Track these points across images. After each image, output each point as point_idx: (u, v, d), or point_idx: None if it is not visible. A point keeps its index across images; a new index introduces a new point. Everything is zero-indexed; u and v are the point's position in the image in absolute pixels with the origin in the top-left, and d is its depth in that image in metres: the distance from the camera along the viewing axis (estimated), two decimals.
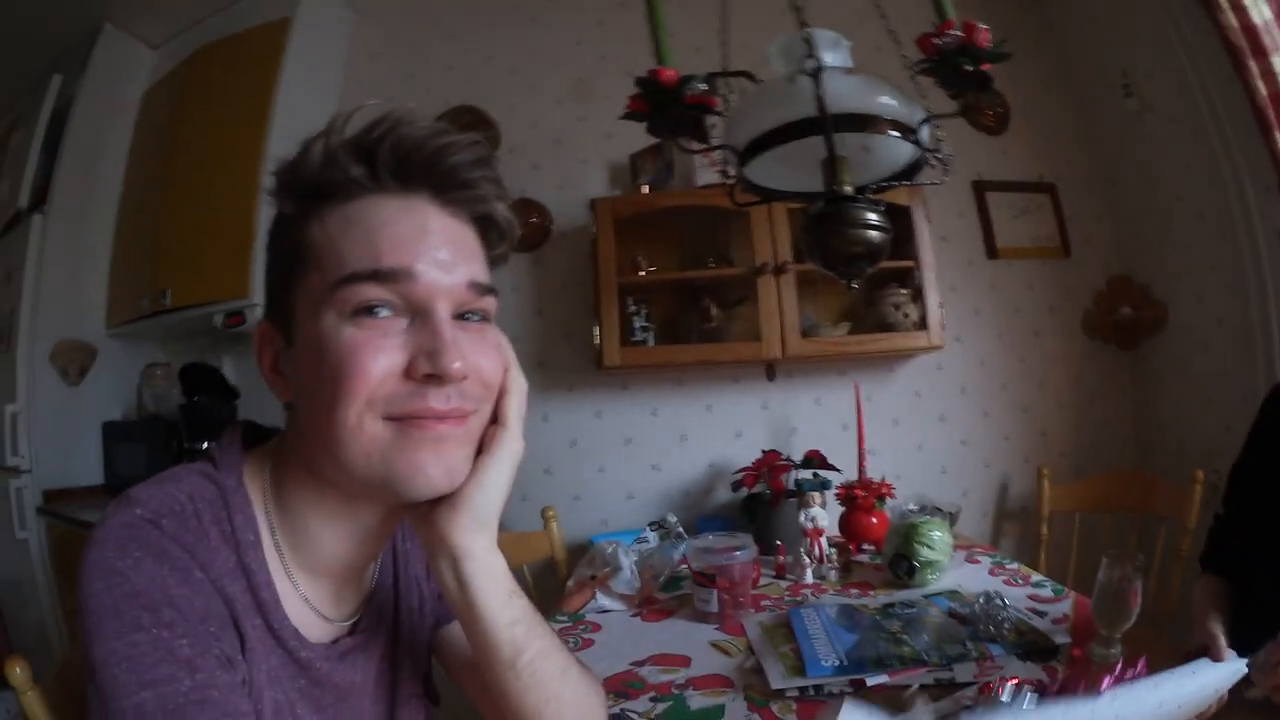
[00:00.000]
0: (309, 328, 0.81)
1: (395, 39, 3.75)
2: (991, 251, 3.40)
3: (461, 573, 0.87)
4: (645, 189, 3.29)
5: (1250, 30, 2.51)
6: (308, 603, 0.89)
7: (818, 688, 1.59)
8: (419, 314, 0.81)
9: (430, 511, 0.86)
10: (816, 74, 1.40)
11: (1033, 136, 3.47)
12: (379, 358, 0.79)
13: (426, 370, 0.79)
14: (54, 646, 3.49)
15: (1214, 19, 2.58)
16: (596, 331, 3.07)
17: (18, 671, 1.34)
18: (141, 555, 0.74)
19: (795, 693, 1.58)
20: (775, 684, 1.61)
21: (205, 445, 3.40)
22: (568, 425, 3.43)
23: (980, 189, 3.41)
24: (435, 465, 0.82)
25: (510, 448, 0.89)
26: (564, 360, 3.42)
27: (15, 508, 3.54)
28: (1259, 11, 2.49)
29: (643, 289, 3.21)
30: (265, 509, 0.88)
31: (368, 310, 0.79)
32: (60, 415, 3.69)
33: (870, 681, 1.58)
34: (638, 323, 3.14)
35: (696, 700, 1.60)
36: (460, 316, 0.84)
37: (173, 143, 3.67)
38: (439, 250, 0.83)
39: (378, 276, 0.79)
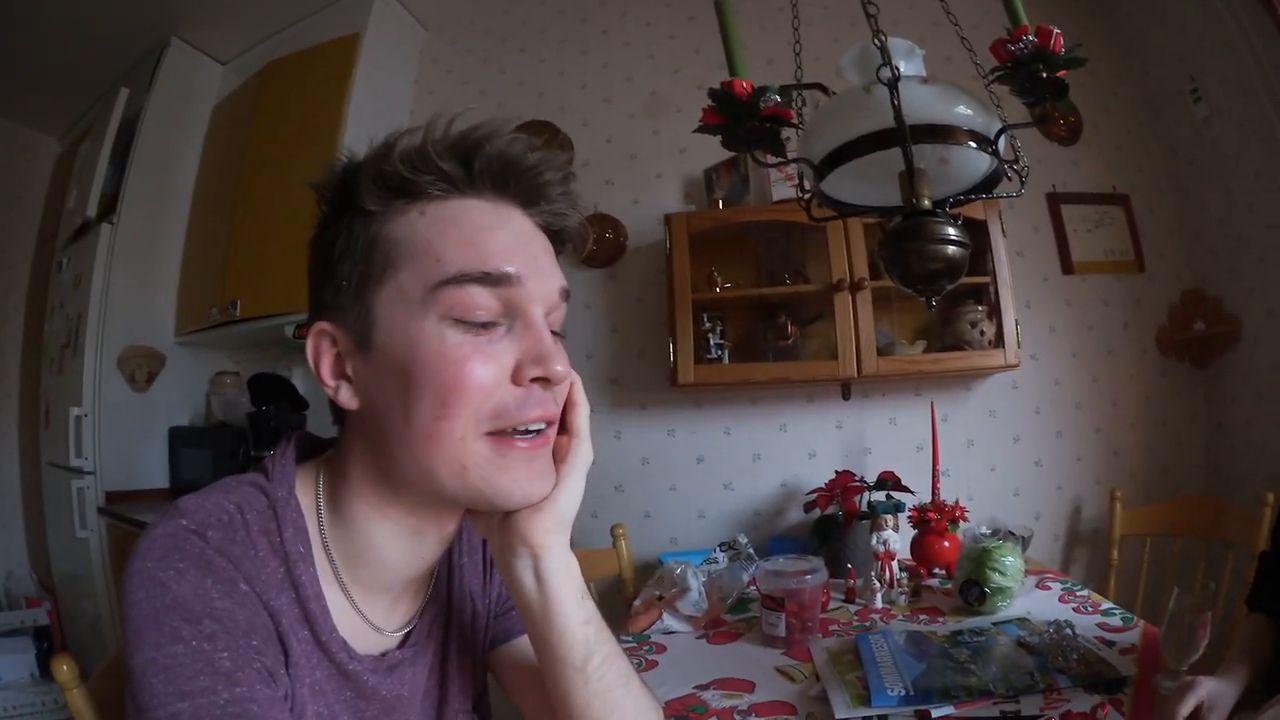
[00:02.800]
0: (401, 331, 0.80)
1: (466, 54, 3.79)
2: (1067, 266, 3.32)
3: (541, 569, 0.87)
4: (720, 204, 3.28)
5: None
6: (360, 614, 0.90)
7: (883, 718, 1.56)
8: (519, 318, 0.83)
9: (509, 516, 0.87)
10: (893, 83, 1.37)
11: (1104, 146, 3.39)
12: (490, 366, 0.80)
13: (535, 374, 0.81)
14: (109, 643, 3.56)
15: (1275, 19, 2.54)
16: (671, 348, 3.05)
17: (64, 669, 1.37)
18: (185, 566, 0.73)
19: None
20: (839, 713, 1.57)
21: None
22: (640, 443, 3.41)
23: (1055, 201, 3.34)
24: (535, 481, 0.85)
25: (584, 456, 0.92)
26: (637, 377, 3.40)
27: (76, 507, 3.61)
28: None
29: (718, 305, 3.18)
30: (318, 522, 0.88)
31: (474, 314, 0.80)
32: (127, 419, 3.77)
33: (936, 713, 1.55)
34: (713, 340, 3.11)
35: None
36: None
37: (242, 156, 3.74)
38: (539, 257, 0.86)
39: (487, 280, 0.80)
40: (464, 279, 0.79)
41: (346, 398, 0.85)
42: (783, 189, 3.10)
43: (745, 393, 3.36)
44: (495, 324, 0.82)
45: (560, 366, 0.82)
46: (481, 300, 0.80)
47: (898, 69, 1.36)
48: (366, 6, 3.52)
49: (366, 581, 0.89)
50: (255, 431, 3.54)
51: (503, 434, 0.81)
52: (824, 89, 1.65)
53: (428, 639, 0.99)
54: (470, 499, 0.83)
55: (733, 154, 3.11)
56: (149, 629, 0.70)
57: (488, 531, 0.92)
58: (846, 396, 3.27)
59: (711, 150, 2.82)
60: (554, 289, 0.86)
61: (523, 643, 1.05)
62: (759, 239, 3.25)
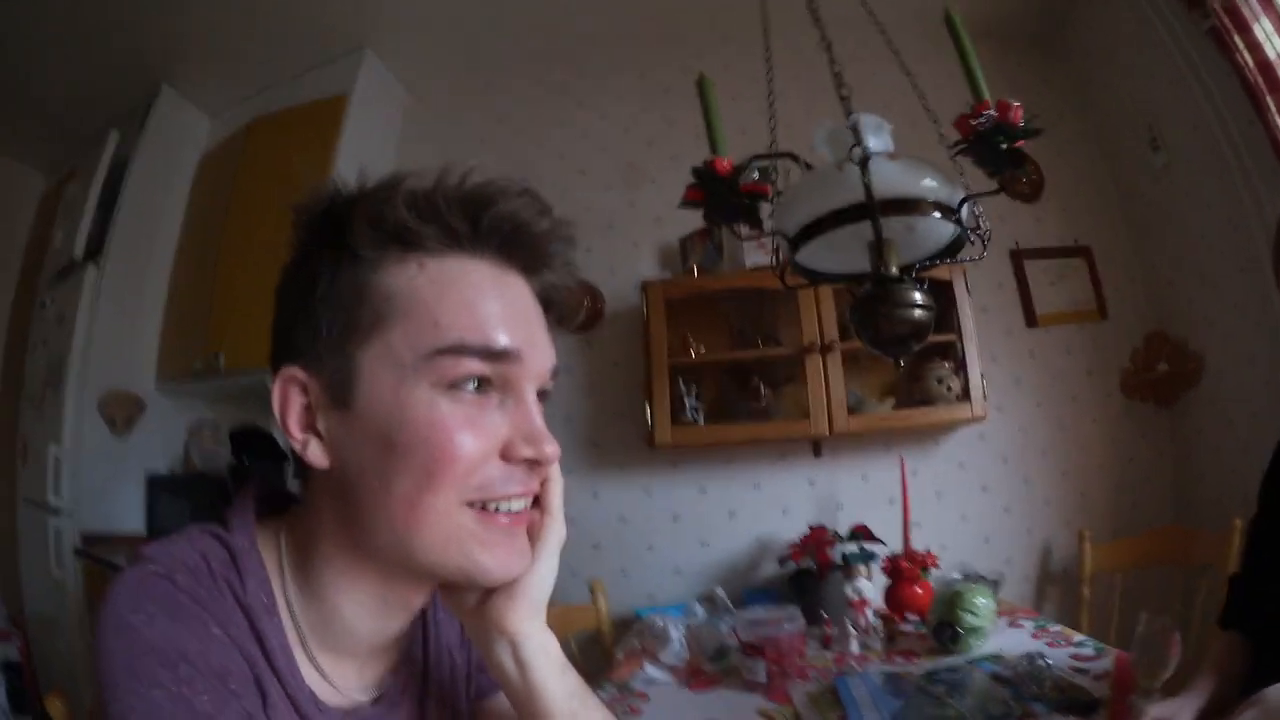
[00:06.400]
0: (388, 394, 0.75)
1: (448, 121, 3.89)
2: (1030, 319, 3.42)
3: (521, 656, 0.85)
4: (695, 271, 3.36)
5: (1266, 67, 2.52)
6: (327, 681, 0.84)
7: None
8: (511, 393, 0.80)
9: (483, 601, 0.85)
10: (864, 162, 1.46)
11: (1067, 200, 3.49)
12: (481, 439, 0.76)
13: (528, 455, 0.79)
14: (80, 683, 3.46)
15: (1230, 60, 2.60)
16: (648, 411, 3.12)
17: (58, 705, 1.34)
18: (155, 610, 0.70)
19: None
20: None
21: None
22: (617, 502, 3.45)
23: (1018, 257, 3.44)
24: (514, 557, 0.82)
25: (557, 535, 0.88)
26: (615, 439, 3.46)
27: (52, 546, 3.59)
28: (1273, 46, 2.50)
29: (693, 369, 3.26)
30: (282, 583, 0.82)
31: (468, 384, 0.76)
32: (105, 462, 3.72)
33: None
34: (688, 402, 3.18)
35: None
36: None
37: (229, 208, 3.77)
38: (537, 332, 0.83)
39: (488, 354, 0.76)
40: (463, 350, 0.75)
41: (316, 455, 0.78)
42: (755, 256, 3.17)
43: (720, 453, 3.42)
44: (489, 396, 0.78)
45: (551, 448, 0.80)
46: (477, 371, 0.76)
47: (868, 149, 1.45)
48: (354, 69, 3.60)
49: (334, 647, 0.85)
50: (236, 485, 3.53)
51: (484, 507, 0.79)
52: (795, 158, 1.71)
53: (402, 696, 0.94)
54: (448, 573, 0.80)
55: (707, 225, 3.21)
56: (125, 676, 0.67)
57: (460, 614, 0.89)
58: (818, 454, 3.35)
59: (685, 219, 2.91)
60: (548, 366, 0.83)
61: (502, 698, 0.98)
62: (732, 304, 3.33)
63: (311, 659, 0.83)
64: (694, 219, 1.88)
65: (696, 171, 1.60)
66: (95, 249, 3.82)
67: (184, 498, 3.69)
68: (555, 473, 0.87)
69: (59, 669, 3.72)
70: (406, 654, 0.97)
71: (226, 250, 3.70)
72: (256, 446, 3.65)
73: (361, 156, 3.51)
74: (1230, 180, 2.83)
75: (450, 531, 0.77)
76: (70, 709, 1.37)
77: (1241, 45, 2.57)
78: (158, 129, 3.93)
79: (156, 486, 3.83)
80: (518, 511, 0.82)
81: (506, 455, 0.79)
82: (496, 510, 0.80)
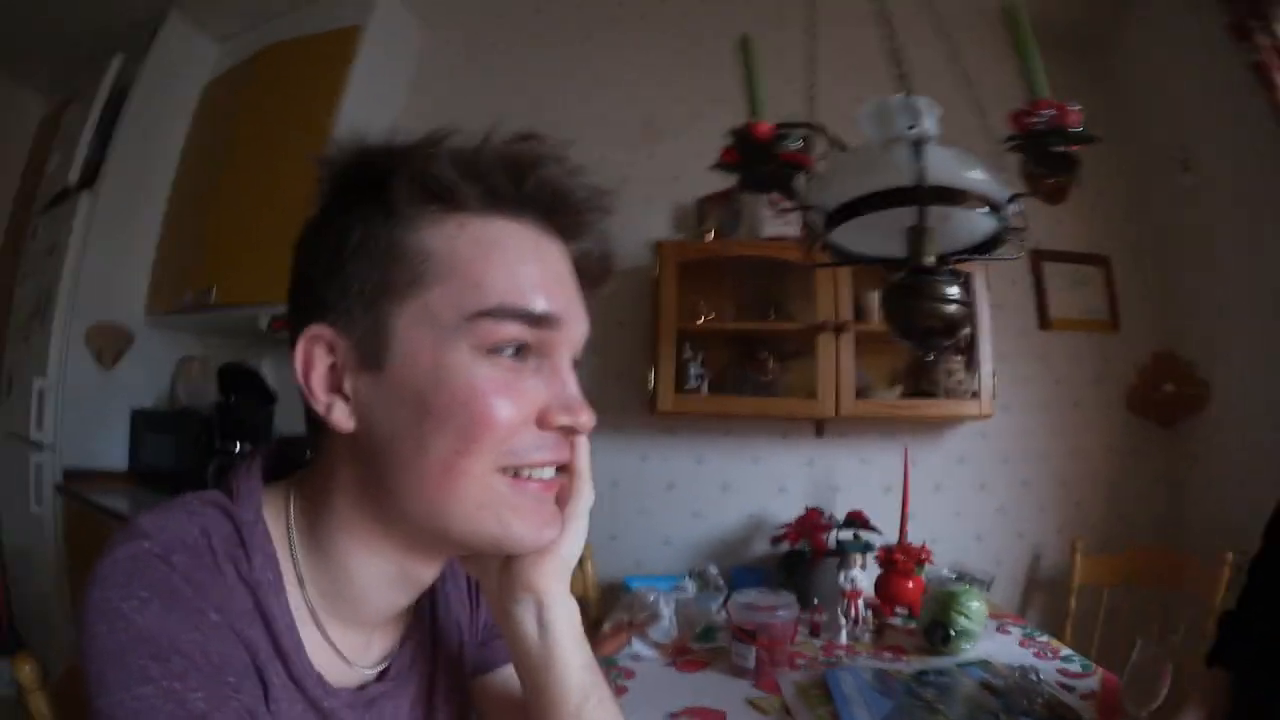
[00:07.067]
0: (426, 355, 0.73)
1: (465, 58, 3.76)
2: (1044, 322, 3.38)
3: (546, 617, 0.85)
4: (710, 235, 3.28)
5: None
6: (335, 649, 0.82)
7: None
8: (547, 359, 0.79)
9: (512, 561, 0.84)
10: (919, 144, 1.39)
11: (1089, 207, 3.43)
12: (520, 405, 0.75)
13: (565, 422, 0.78)
14: (56, 619, 3.49)
15: (1270, 98, 2.59)
16: (652, 375, 3.05)
17: (27, 670, 1.27)
18: (148, 595, 0.66)
19: None
20: None
21: (238, 448, 3.39)
22: (611, 466, 3.39)
23: (1037, 258, 3.39)
24: (549, 524, 0.81)
25: (587, 498, 0.88)
26: (613, 401, 3.38)
27: (33, 482, 3.56)
28: None
29: (700, 336, 3.19)
30: (290, 551, 0.80)
31: (508, 349, 0.75)
32: (90, 397, 3.69)
33: None
34: (693, 369, 3.13)
35: None
36: None
37: (231, 139, 3.70)
38: (574, 300, 0.82)
39: (530, 319, 0.75)
40: (504, 313, 0.73)
41: (341, 418, 0.75)
42: (773, 225, 3.12)
43: (720, 423, 3.38)
44: (525, 362, 0.76)
45: (587, 416, 0.80)
46: (518, 336, 0.74)
47: (926, 132, 1.38)
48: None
49: (345, 619, 0.83)
50: (222, 422, 3.47)
51: (516, 474, 0.77)
52: (821, 130, 1.63)
53: (410, 670, 0.92)
54: (479, 541, 0.78)
55: (726, 187, 3.13)
56: (113, 668, 0.63)
57: (483, 574, 0.89)
58: (820, 434, 3.31)
59: (702, 180, 2.82)
60: (583, 333, 0.83)
61: (506, 673, 1.02)
62: (745, 273, 3.26)
63: (321, 628, 0.81)
64: (711, 180, 1.81)
65: (735, 133, 1.54)
66: (91, 177, 3.76)
67: (169, 433, 3.64)
68: (583, 437, 0.86)
69: (36, 607, 3.71)
70: (414, 626, 0.94)
71: (226, 182, 3.64)
72: (244, 384, 3.59)
73: (372, 91, 3.45)
74: (1259, 217, 2.84)
75: (484, 498, 0.75)
76: (42, 669, 1.29)
77: None
78: (163, 54, 3.87)
79: (141, 422, 3.79)
80: (549, 479, 0.82)
81: (542, 422, 0.78)
82: (529, 477, 0.79)
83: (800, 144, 1.54)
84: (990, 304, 3.06)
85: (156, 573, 0.68)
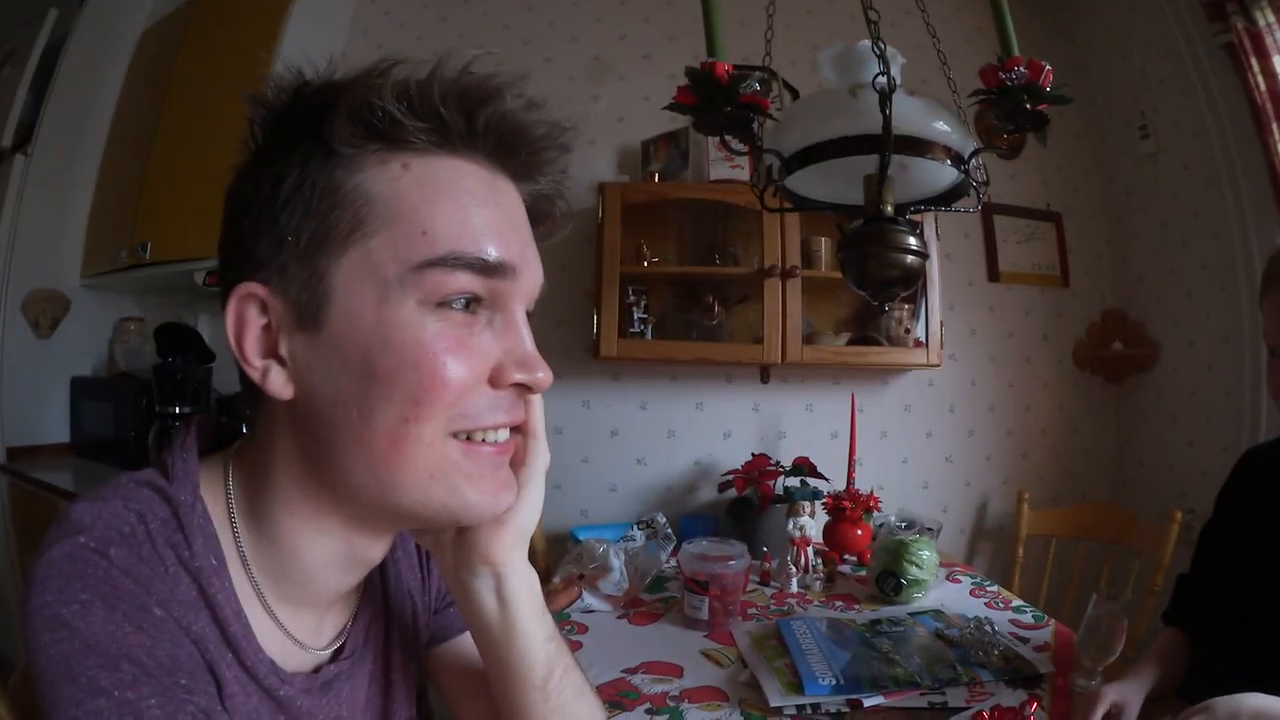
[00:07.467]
0: (368, 312, 0.67)
1: None
2: (993, 274, 3.40)
3: (505, 590, 0.81)
4: (655, 177, 3.21)
5: (1277, 96, 2.55)
6: (286, 632, 0.78)
7: (815, 706, 1.58)
8: (499, 312, 0.73)
9: (467, 532, 0.80)
10: (888, 92, 1.35)
11: (1044, 164, 3.45)
12: (472, 363, 0.70)
13: (520, 379, 0.73)
14: (12, 605, 3.42)
15: (1242, 78, 2.63)
16: (595, 320, 3.01)
17: None
18: (89, 598, 0.62)
19: (793, 710, 1.57)
20: (774, 701, 1.59)
21: (177, 410, 3.30)
22: (554, 413, 3.26)
23: (988, 211, 3.40)
24: (501, 491, 0.76)
25: (543, 460, 0.84)
26: (555, 346, 3.29)
27: None
28: None
29: (644, 279, 3.14)
30: (232, 531, 0.75)
31: (458, 302, 0.69)
32: (28, 368, 3.58)
33: (867, 703, 1.58)
34: (636, 314, 3.09)
35: (693, 714, 1.58)
36: None
37: (166, 88, 3.55)
38: (529, 247, 0.76)
39: (482, 268, 0.69)
40: (454, 262, 0.67)
41: (278, 385, 0.70)
42: (721, 168, 3.09)
43: (664, 369, 3.36)
44: (477, 316, 0.71)
45: (544, 374, 0.74)
46: (469, 287, 0.69)
47: (894, 80, 1.35)
48: None
49: (292, 598, 0.78)
50: (160, 385, 3.37)
51: (469, 437, 0.72)
52: (774, 74, 1.57)
53: (364, 647, 0.88)
54: (430, 513, 0.73)
55: (674, 129, 3.09)
56: (64, 682, 0.60)
57: (435, 547, 0.85)
58: (765, 380, 3.29)
59: (648, 121, 2.79)
60: (538, 284, 0.77)
61: (463, 641, 0.99)
62: (691, 216, 3.22)
63: (270, 612, 0.77)
64: (657, 121, 1.75)
65: (692, 74, 1.47)
66: (24, 138, 3.62)
67: (108, 400, 3.55)
68: (537, 396, 0.82)
69: None
70: (366, 600, 0.91)
71: (161, 134, 3.48)
72: (183, 343, 3.48)
73: (312, 34, 3.32)
74: (1219, 191, 2.89)
75: (435, 465, 0.70)
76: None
77: (1257, 69, 2.60)
78: (97, 4, 3.71)
79: (80, 390, 3.70)
80: (503, 442, 0.77)
81: (495, 380, 0.72)
82: (483, 441, 0.74)
83: (758, 87, 1.50)
84: (940, 254, 3.07)
85: (95, 570, 0.64)
